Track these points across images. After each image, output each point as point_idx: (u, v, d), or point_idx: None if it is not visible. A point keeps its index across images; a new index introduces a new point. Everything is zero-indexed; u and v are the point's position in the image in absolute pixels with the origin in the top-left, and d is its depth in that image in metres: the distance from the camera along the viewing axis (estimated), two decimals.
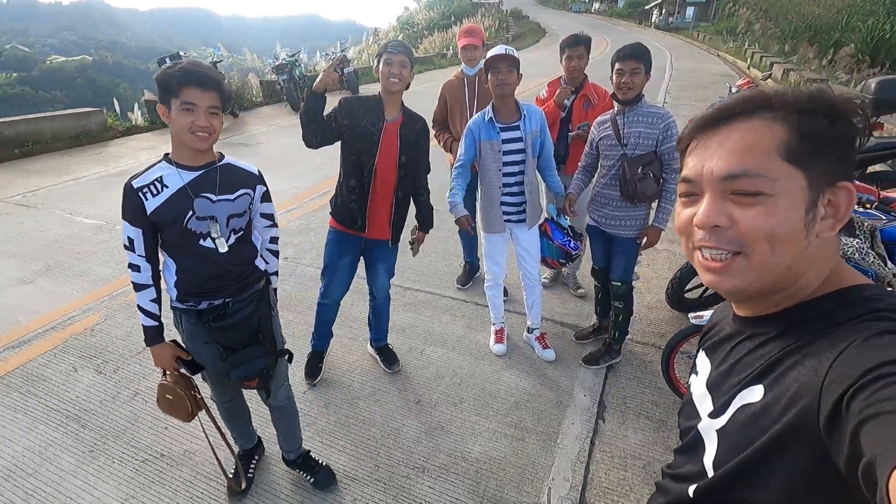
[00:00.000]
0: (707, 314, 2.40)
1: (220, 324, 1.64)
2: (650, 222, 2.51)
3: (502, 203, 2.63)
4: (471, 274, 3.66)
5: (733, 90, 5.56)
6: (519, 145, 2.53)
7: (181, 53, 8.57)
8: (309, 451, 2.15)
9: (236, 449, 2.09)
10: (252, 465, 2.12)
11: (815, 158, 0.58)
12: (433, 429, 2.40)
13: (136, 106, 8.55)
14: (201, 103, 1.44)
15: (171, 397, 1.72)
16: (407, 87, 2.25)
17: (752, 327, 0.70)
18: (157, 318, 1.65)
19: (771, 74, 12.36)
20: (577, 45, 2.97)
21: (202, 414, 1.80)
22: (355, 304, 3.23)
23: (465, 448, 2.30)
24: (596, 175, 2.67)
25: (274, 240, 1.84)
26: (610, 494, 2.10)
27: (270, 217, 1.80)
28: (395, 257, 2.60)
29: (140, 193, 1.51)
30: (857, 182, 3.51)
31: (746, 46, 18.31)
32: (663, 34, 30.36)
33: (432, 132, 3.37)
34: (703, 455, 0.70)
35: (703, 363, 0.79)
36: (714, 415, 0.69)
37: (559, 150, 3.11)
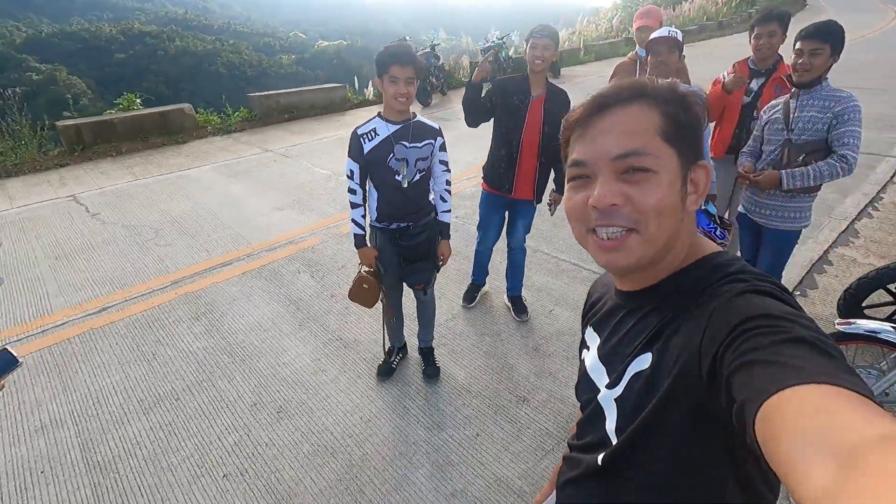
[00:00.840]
0: (863, 323, 2.16)
1: (404, 242, 2.33)
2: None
3: None
4: None
5: None
6: None
7: (406, 38, 9.95)
8: (433, 349, 2.78)
9: (388, 344, 2.77)
10: (395, 360, 2.78)
11: (680, 140, 0.66)
12: (542, 372, 2.73)
13: (369, 83, 10.34)
14: (401, 76, 2.03)
15: (367, 287, 2.42)
16: (552, 64, 2.54)
17: (635, 300, 0.75)
18: (363, 228, 2.34)
19: None
20: (768, 22, 2.75)
21: (369, 313, 2.50)
22: (503, 261, 3.67)
23: (566, 393, 2.58)
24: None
25: (448, 182, 2.38)
26: None
27: (445, 164, 2.35)
28: (533, 215, 2.98)
29: (361, 138, 2.21)
30: None
31: None
32: None
33: None
34: (604, 424, 0.74)
35: (592, 337, 0.84)
36: (610, 385, 0.73)
37: (738, 139, 2.96)
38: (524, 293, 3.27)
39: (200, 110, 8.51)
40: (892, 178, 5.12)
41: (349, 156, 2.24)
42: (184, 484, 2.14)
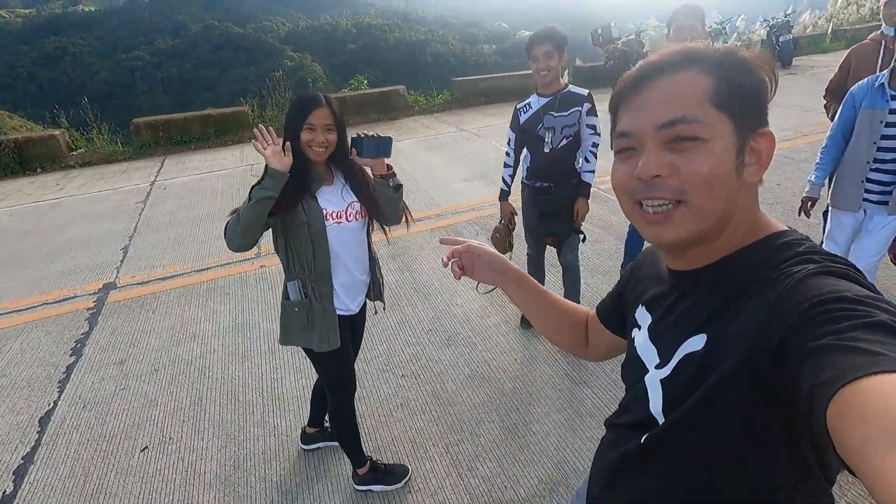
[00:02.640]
0: None
1: (544, 197, 2.64)
2: None
3: (867, 180, 2.40)
4: None
5: None
6: None
7: (612, 24, 9.70)
8: None
9: None
10: None
11: (738, 106, 0.62)
12: None
13: (565, 72, 10.43)
14: (540, 52, 2.37)
15: (498, 236, 2.85)
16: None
17: (690, 279, 0.71)
18: (508, 185, 2.76)
19: None
20: None
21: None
22: None
23: None
24: None
25: (594, 145, 2.58)
26: None
27: (593, 127, 2.54)
28: None
29: (518, 111, 2.59)
30: None
31: None
32: None
33: (823, 102, 3.18)
34: (648, 405, 0.71)
35: (644, 316, 0.80)
36: (660, 366, 0.70)
37: None
38: None
39: (411, 92, 9.69)
40: None
41: (510, 126, 2.69)
42: (374, 374, 2.74)
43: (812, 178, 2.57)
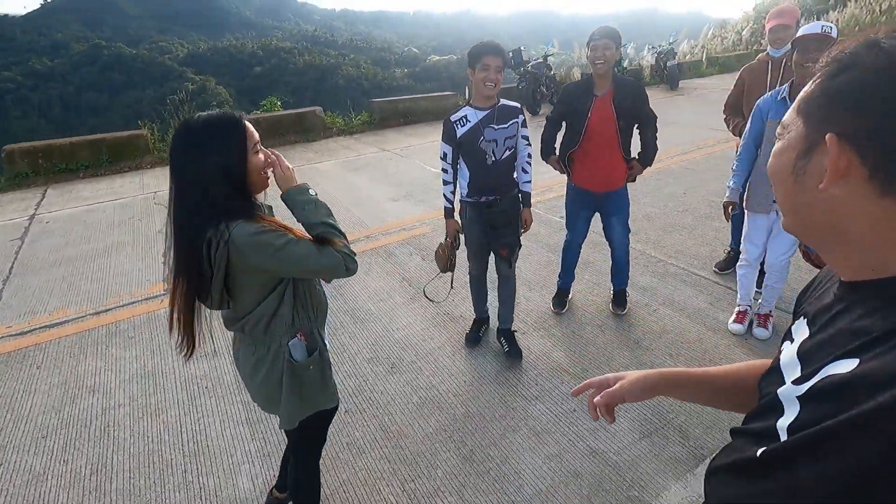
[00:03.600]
0: None
1: (491, 210, 2.58)
2: None
3: None
4: (732, 262, 3.60)
5: None
6: None
7: (521, 48, 10.21)
8: (515, 330, 2.91)
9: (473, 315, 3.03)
10: (482, 330, 3.03)
11: (815, 108, 0.59)
12: (642, 364, 2.74)
13: (465, 88, 10.78)
14: (492, 64, 2.32)
15: (441, 253, 2.75)
16: (618, 65, 2.64)
17: (853, 294, 0.64)
18: (451, 201, 2.66)
19: None
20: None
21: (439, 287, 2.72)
22: (607, 259, 3.71)
23: None
24: None
25: (529, 155, 2.63)
26: None
27: (526, 138, 2.60)
28: (627, 210, 3.02)
29: (454, 124, 2.51)
30: None
31: None
32: None
33: (723, 117, 3.47)
34: (776, 419, 0.66)
35: (801, 330, 0.72)
36: (799, 381, 0.64)
37: None
38: (629, 290, 3.29)
39: (328, 113, 9.45)
40: None
41: (442, 140, 2.56)
42: None
43: (730, 184, 2.77)
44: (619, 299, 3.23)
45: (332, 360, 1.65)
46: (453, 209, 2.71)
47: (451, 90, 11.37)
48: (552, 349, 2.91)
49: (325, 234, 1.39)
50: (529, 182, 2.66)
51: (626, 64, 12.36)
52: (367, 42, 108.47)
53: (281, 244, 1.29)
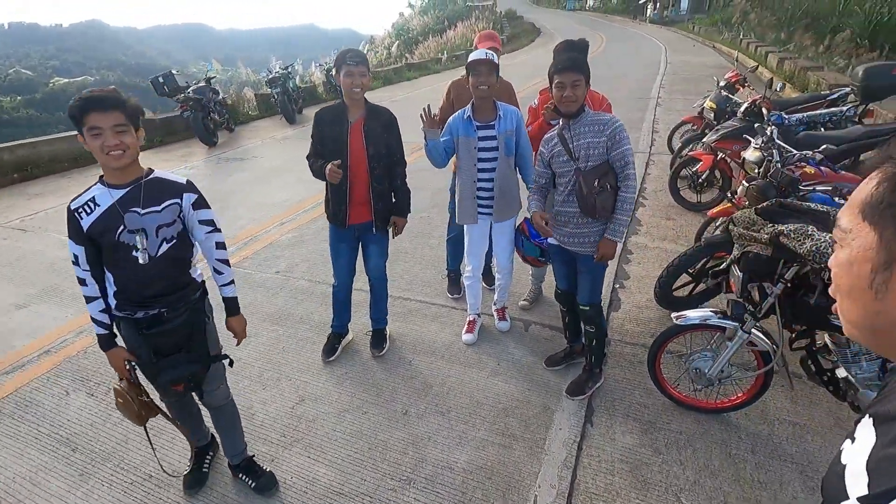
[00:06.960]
0: (692, 314, 2.37)
1: (149, 331, 1.77)
2: (605, 235, 2.37)
3: (477, 196, 2.81)
4: (457, 280, 3.64)
5: (721, 83, 5.52)
6: (493, 143, 2.70)
7: (173, 71, 8.66)
8: (253, 455, 2.22)
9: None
10: (207, 462, 2.22)
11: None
12: (420, 439, 2.40)
13: None
14: (105, 124, 1.54)
15: (121, 401, 1.81)
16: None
17: None
18: (107, 326, 1.79)
19: (758, 67, 12.33)
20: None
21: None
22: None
23: (452, 458, 2.30)
24: (553, 193, 2.59)
25: (220, 245, 1.90)
26: (596, 500, 2.09)
27: (210, 223, 1.85)
28: (386, 241, 2.84)
29: (76, 213, 1.67)
30: (846, 172, 3.48)
31: (742, 37, 18.16)
32: (658, 28, 30.24)
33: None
34: None
35: (867, 432, 0.66)
36: (865, 500, 0.59)
37: None
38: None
39: None
40: (646, 170, 6.18)
41: (69, 237, 1.74)
42: None
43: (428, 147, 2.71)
44: (377, 338, 3.06)
45: None
46: (113, 334, 1.81)
47: None
48: (313, 467, 2.27)
49: None
50: (230, 284, 1.96)
51: (295, 82, 12.09)
52: None
53: None
